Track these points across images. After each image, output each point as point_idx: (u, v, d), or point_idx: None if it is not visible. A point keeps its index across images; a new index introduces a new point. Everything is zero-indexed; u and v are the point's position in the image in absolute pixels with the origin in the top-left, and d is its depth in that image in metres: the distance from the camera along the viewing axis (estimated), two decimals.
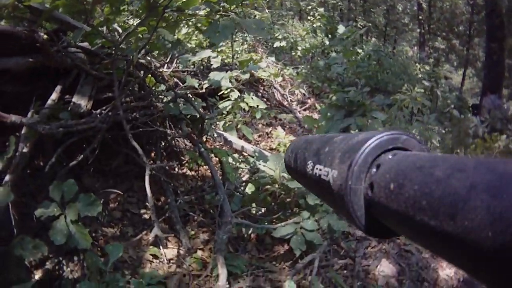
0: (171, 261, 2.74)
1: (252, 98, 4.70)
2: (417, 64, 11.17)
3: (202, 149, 2.73)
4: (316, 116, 5.90)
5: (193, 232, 3.01)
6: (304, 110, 6.38)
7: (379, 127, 3.61)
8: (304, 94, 6.94)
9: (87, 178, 2.99)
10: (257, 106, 4.70)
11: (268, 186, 3.20)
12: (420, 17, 16.33)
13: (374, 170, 0.37)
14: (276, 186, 3.15)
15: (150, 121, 2.94)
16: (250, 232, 3.07)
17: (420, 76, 9.08)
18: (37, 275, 2.34)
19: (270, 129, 5.48)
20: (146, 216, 3.09)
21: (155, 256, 2.74)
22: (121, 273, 2.51)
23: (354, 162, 0.37)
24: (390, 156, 0.37)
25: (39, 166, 2.74)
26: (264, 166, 3.25)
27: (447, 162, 0.30)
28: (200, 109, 3.13)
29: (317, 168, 0.45)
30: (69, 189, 2.21)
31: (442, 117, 4.81)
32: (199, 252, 2.84)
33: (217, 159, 3.38)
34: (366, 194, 0.37)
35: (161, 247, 2.79)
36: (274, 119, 5.80)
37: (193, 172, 3.80)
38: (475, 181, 0.25)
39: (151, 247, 2.78)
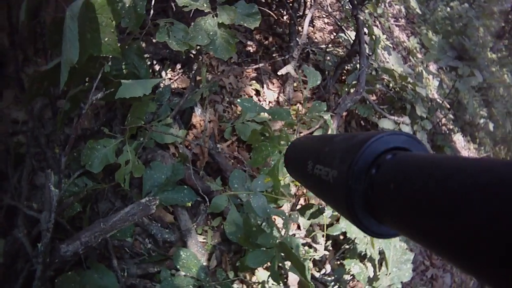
0: (270, 103, 2.61)
1: None
2: None
3: (359, 15, 2.39)
4: None
5: (295, 84, 2.81)
6: None
7: None
8: None
9: None
10: None
11: (386, 78, 3.03)
12: None
13: (374, 170, 0.36)
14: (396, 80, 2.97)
15: None
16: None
17: None
18: None
19: None
20: (251, 49, 2.87)
21: (257, 93, 2.63)
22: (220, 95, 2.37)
23: (354, 162, 0.37)
24: (390, 156, 0.36)
25: None
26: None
27: (447, 162, 0.29)
28: None
29: (317, 168, 0.44)
30: None
31: None
32: (299, 106, 2.72)
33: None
34: (366, 194, 0.36)
35: (264, 85, 2.63)
36: None
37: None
38: (475, 181, 0.25)
39: (253, 81, 2.62)
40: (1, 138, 1.64)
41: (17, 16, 1.69)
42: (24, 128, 1.75)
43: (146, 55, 2.30)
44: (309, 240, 2.09)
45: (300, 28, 2.91)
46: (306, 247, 2.05)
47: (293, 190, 1.81)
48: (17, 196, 1.57)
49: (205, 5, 1.80)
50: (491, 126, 4.68)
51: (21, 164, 1.66)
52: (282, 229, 1.69)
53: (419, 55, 4.76)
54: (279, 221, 2.08)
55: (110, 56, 1.56)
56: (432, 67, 4.74)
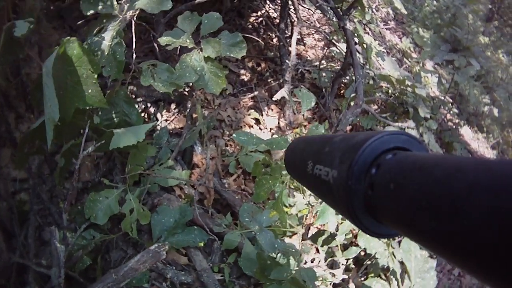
0: (271, 130, 2.56)
1: None
2: None
3: (348, 26, 2.36)
4: None
5: (295, 107, 2.79)
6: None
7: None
8: None
9: None
10: None
11: (384, 85, 2.95)
12: None
13: (374, 170, 0.36)
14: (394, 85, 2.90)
15: None
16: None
17: None
18: None
19: None
20: (245, 78, 2.85)
21: (257, 121, 2.60)
22: (220, 129, 2.36)
23: (354, 162, 0.37)
24: (390, 156, 0.36)
25: None
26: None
27: (447, 162, 0.29)
28: None
29: (317, 168, 0.44)
30: (209, 22, 1.80)
31: None
32: (302, 129, 2.70)
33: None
34: (366, 194, 0.36)
35: (263, 113, 2.60)
36: None
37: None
38: (475, 181, 0.25)
39: (252, 111, 2.59)
40: (3, 198, 1.65)
41: (3, 75, 1.70)
42: (25, 186, 1.77)
43: (139, 99, 2.30)
44: (328, 265, 2.05)
45: (290, 49, 2.91)
46: (325, 273, 2.01)
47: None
48: (26, 253, 1.58)
49: (188, 41, 1.77)
50: (495, 111, 4.65)
51: (27, 222, 1.68)
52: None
53: (414, 55, 4.72)
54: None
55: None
56: (429, 64, 4.71)
